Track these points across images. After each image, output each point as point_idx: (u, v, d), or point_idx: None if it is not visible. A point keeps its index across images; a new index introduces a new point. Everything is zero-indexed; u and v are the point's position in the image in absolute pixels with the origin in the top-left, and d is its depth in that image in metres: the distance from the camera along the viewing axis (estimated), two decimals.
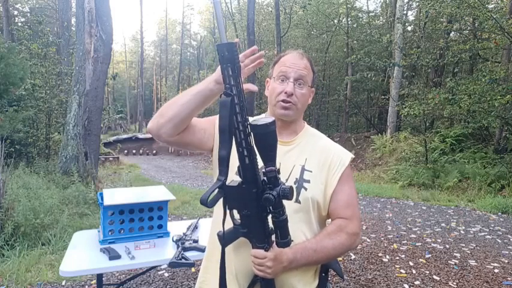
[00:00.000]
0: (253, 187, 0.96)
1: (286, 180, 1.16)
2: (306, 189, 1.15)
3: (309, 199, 1.15)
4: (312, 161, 1.20)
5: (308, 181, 1.16)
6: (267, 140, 0.94)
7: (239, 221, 1.03)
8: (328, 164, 1.20)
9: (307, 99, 1.22)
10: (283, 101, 1.16)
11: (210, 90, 1.04)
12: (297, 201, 1.15)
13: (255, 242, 1.03)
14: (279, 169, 0.97)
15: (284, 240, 1.03)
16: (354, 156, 1.28)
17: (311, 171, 1.18)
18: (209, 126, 1.22)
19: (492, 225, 5.35)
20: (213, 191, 0.94)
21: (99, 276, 2.28)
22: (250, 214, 1.00)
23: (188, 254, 2.04)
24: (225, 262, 1.04)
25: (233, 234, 1.05)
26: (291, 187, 0.96)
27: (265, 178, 0.97)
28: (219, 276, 1.05)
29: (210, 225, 1.28)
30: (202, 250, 2.12)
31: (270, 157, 0.96)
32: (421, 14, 13.13)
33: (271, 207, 0.98)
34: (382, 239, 4.69)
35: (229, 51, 0.88)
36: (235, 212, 1.03)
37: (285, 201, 1.02)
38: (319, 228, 1.20)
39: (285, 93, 1.15)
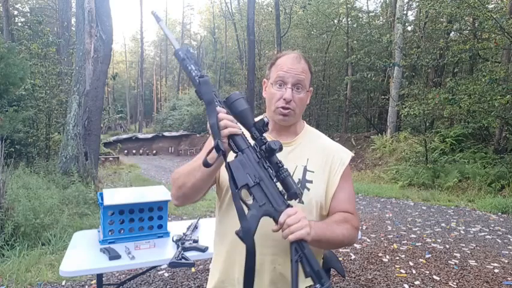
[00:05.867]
0: (252, 152, 0.99)
1: None
2: (308, 189, 1.16)
3: (312, 200, 1.16)
4: (314, 161, 1.21)
5: (311, 181, 1.17)
6: (237, 108, 1.00)
7: (251, 200, 0.98)
8: (330, 163, 1.21)
9: (305, 103, 1.23)
10: (282, 107, 1.17)
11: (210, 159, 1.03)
12: (300, 201, 1.14)
13: (276, 215, 0.95)
14: (267, 122, 1.01)
15: (293, 190, 0.97)
16: (353, 155, 1.29)
17: (313, 172, 1.18)
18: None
19: (492, 225, 5.35)
20: (210, 151, 0.97)
21: (99, 276, 2.28)
22: (261, 178, 0.98)
23: (188, 254, 2.04)
24: (254, 257, 0.93)
25: (254, 219, 0.94)
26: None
27: (256, 132, 1.00)
28: (244, 274, 0.95)
29: (214, 237, 1.27)
30: (202, 250, 2.13)
31: (248, 123, 1.01)
32: (421, 14, 13.14)
33: (274, 163, 0.98)
34: (382, 239, 4.69)
35: (183, 52, 1.04)
36: (243, 194, 0.98)
37: (289, 202, 1.03)
38: None
39: (284, 99, 1.16)
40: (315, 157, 1.21)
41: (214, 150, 0.96)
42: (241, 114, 1.01)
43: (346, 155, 1.25)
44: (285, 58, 1.20)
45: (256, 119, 1.10)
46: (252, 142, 1.01)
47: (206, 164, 0.97)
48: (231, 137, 0.98)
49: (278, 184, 0.99)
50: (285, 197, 0.98)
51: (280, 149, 0.99)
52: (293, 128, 1.25)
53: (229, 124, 0.98)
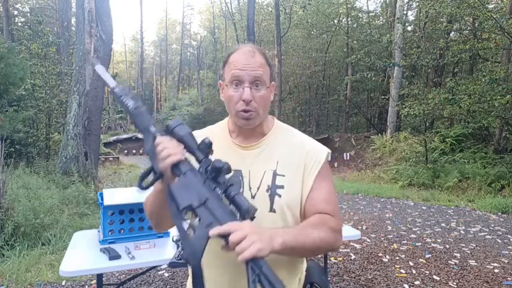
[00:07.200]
0: (196, 174, 0.94)
1: (258, 188, 1.06)
2: (280, 195, 1.05)
3: (283, 207, 1.05)
4: (284, 163, 1.09)
5: (281, 187, 1.06)
6: (178, 133, 0.97)
7: (197, 221, 0.90)
8: (303, 164, 1.09)
9: (268, 100, 1.10)
10: (243, 111, 1.05)
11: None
12: (272, 210, 1.04)
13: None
14: (211, 143, 0.95)
15: (245, 207, 0.89)
16: (330, 151, 1.15)
17: (284, 176, 1.07)
18: None
19: (492, 225, 5.35)
20: (146, 177, 0.95)
21: (99, 276, 2.27)
22: (206, 198, 0.90)
23: None
24: (202, 282, 0.83)
25: (200, 241, 0.86)
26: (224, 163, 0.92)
27: (200, 155, 0.95)
28: None
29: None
30: None
31: (191, 147, 0.96)
32: (421, 14, 13.14)
33: (222, 183, 0.92)
34: (382, 239, 4.69)
35: (119, 89, 1.04)
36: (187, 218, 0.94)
37: (259, 212, 0.97)
38: None
39: (243, 101, 1.04)
40: (286, 158, 1.10)
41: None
42: (183, 139, 0.96)
43: (322, 152, 1.12)
44: (237, 54, 1.07)
45: (218, 124, 1.12)
46: (197, 166, 0.95)
47: (141, 187, 0.95)
48: (175, 164, 0.93)
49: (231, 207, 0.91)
50: (238, 217, 0.90)
51: (228, 169, 0.91)
52: (259, 128, 1.12)
53: (172, 152, 0.92)
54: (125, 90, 1.04)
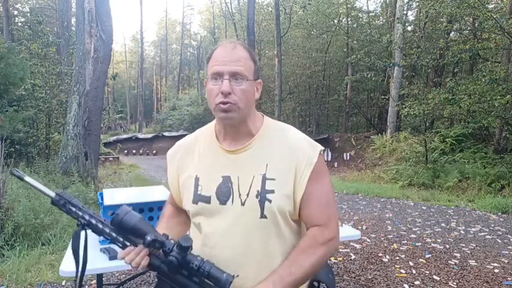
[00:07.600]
0: (166, 266, 0.96)
1: (247, 194, 1.03)
2: (270, 201, 1.02)
3: (275, 212, 1.03)
4: (274, 166, 1.05)
5: (272, 191, 1.02)
6: (128, 223, 0.95)
7: None
8: (295, 165, 1.04)
9: (251, 95, 1.05)
10: (221, 103, 1.01)
11: None
12: (263, 216, 1.02)
13: None
14: (153, 239, 0.94)
15: (223, 280, 0.91)
16: (323, 148, 1.11)
17: (274, 179, 1.03)
18: (176, 196, 1.26)
19: (492, 225, 5.35)
20: None
21: (99, 276, 2.28)
22: None
23: None
24: None
25: None
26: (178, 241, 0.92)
27: (156, 244, 0.94)
28: None
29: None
30: None
31: (141, 233, 0.95)
32: (421, 14, 13.15)
33: (191, 263, 0.93)
34: (382, 239, 4.69)
35: (57, 198, 0.99)
36: None
37: (250, 219, 1.00)
38: (293, 237, 1.09)
39: (221, 93, 1.00)
40: (277, 160, 1.05)
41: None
42: (135, 229, 0.95)
43: (314, 151, 1.07)
44: (219, 49, 1.05)
45: (205, 128, 1.16)
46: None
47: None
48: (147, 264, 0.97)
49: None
50: None
51: (186, 249, 0.92)
52: (245, 128, 1.08)
53: (137, 261, 0.96)
54: (63, 198, 0.99)
